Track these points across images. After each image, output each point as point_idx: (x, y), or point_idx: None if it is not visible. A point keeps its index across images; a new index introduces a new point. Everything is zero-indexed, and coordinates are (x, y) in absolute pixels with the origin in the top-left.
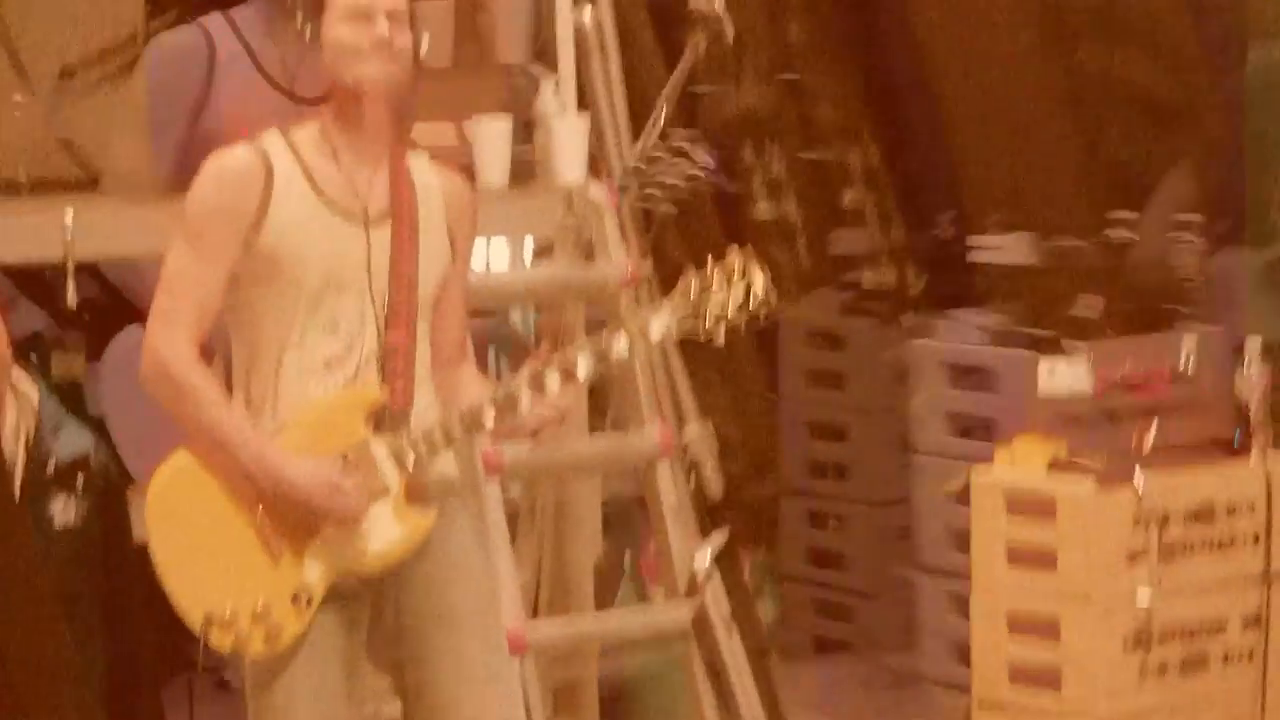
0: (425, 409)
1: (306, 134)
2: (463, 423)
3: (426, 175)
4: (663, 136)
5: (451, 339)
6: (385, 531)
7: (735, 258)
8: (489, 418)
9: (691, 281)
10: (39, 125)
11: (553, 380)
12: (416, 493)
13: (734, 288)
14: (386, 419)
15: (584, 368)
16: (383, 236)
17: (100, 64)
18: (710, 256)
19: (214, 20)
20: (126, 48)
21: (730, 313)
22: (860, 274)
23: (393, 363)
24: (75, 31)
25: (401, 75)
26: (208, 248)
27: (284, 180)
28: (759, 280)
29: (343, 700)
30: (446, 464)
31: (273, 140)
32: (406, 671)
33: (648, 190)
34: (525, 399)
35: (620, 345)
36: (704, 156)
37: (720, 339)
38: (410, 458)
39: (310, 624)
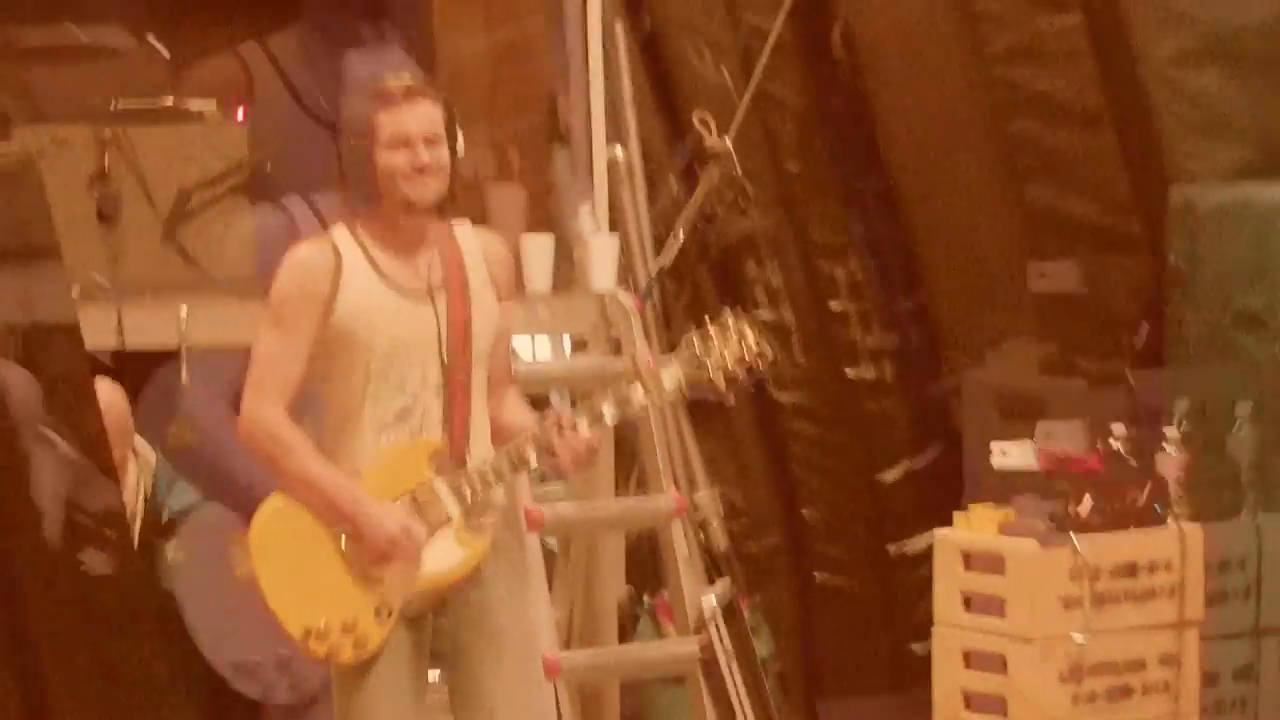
0: (479, 451)
1: (367, 226)
2: (510, 460)
3: (470, 241)
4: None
5: (501, 365)
6: (449, 554)
7: (729, 317)
8: (532, 456)
9: (694, 339)
10: (161, 237)
11: (582, 424)
12: (476, 521)
13: (730, 343)
14: (446, 462)
15: (608, 413)
16: (439, 304)
17: (210, 187)
18: (707, 318)
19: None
20: (232, 174)
21: (729, 364)
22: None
23: (455, 412)
24: (190, 161)
25: (440, 186)
26: (289, 327)
27: (350, 267)
28: (751, 336)
29: (415, 702)
30: (496, 496)
31: (340, 233)
32: (457, 681)
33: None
34: (558, 440)
35: (638, 394)
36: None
37: (723, 387)
38: (468, 492)
39: (389, 635)
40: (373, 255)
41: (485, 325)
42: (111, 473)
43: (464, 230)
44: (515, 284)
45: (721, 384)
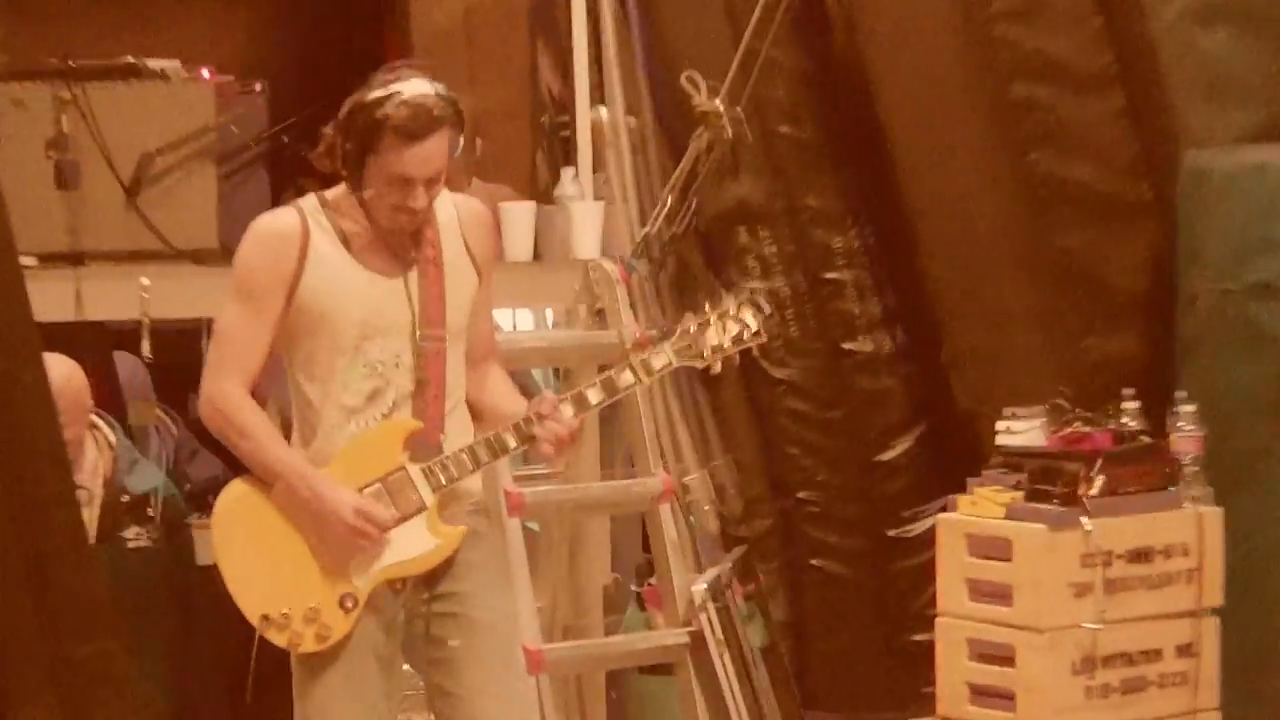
0: (456, 435)
1: (340, 199)
2: (489, 447)
3: (445, 209)
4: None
5: (482, 339)
6: (421, 542)
7: (730, 302)
8: (512, 443)
9: (690, 323)
10: (122, 204)
11: (567, 409)
12: (448, 509)
13: (728, 327)
14: (421, 445)
15: (595, 397)
16: (412, 281)
17: (174, 151)
18: (708, 303)
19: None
20: (198, 137)
21: (726, 344)
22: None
23: (425, 396)
24: (153, 124)
25: (424, 215)
26: (253, 302)
27: (318, 241)
28: (751, 319)
29: (381, 695)
30: (474, 483)
31: (310, 204)
32: (433, 675)
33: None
34: (541, 427)
35: (626, 378)
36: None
37: (717, 368)
38: (443, 478)
39: (356, 625)
40: (343, 228)
41: (461, 299)
42: (54, 454)
43: (440, 200)
44: (496, 250)
45: (716, 368)
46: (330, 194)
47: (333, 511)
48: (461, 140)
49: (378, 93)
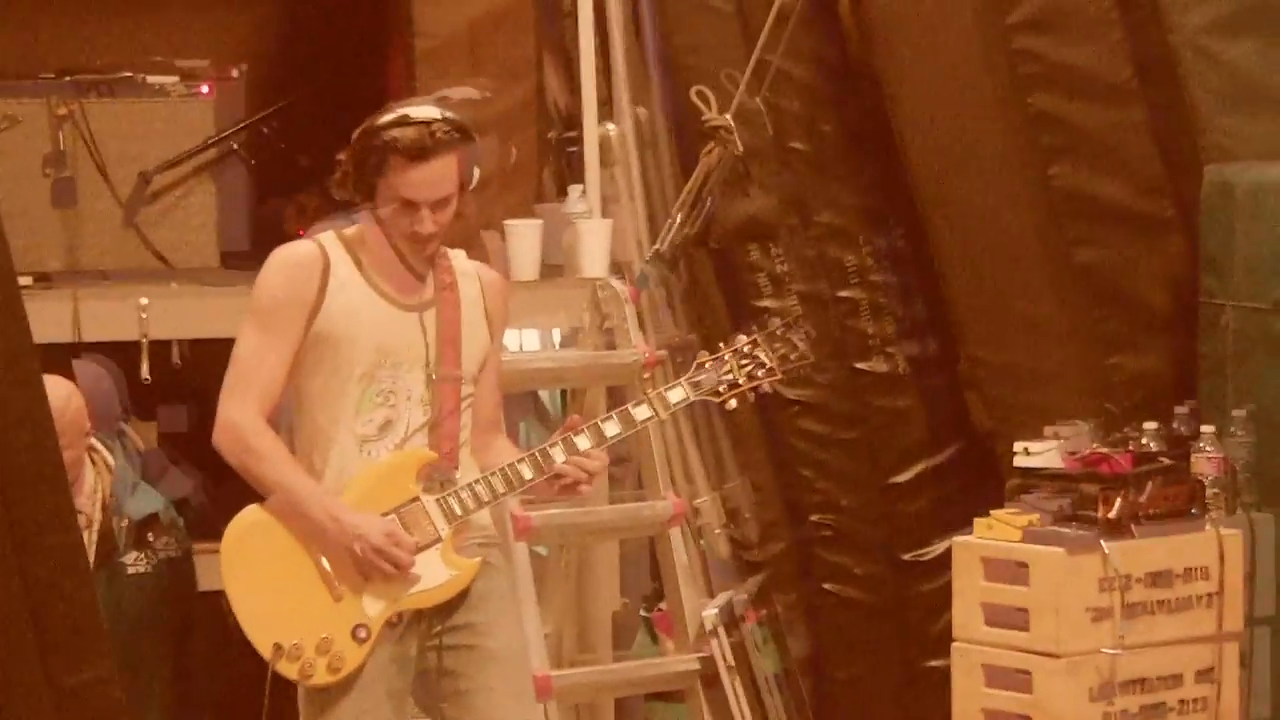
0: (467, 468)
1: (359, 234)
2: (504, 480)
3: (465, 265)
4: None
5: (488, 411)
6: (435, 574)
7: (744, 342)
8: (527, 475)
9: (706, 360)
10: (120, 223)
11: (583, 442)
12: (463, 541)
13: (743, 367)
14: (435, 478)
15: (612, 430)
16: (429, 318)
17: (173, 169)
18: (723, 342)
19: None
20: (197, 154)
21: (741, 381)
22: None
23: (441, 428)
24: (151, 140)
25: (437, 241)
26: (274, 329)
27: (338, 270)
28: (765, 359)
29: None
30: (484, 515)
31: (329, 237)
32: (447, 710)
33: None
34: (559, 458)
35: (643, 412)
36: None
37: (732, 405)
38: (457, 510)
39: (368, 657)
40: (361, 261)
41: (475, 348)
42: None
43: (460, 257)
44: (505, 324)
45: (731, 404)
46: (349, 230)
47: (360, 536)
48: (476, 172)
49: (386, 117)
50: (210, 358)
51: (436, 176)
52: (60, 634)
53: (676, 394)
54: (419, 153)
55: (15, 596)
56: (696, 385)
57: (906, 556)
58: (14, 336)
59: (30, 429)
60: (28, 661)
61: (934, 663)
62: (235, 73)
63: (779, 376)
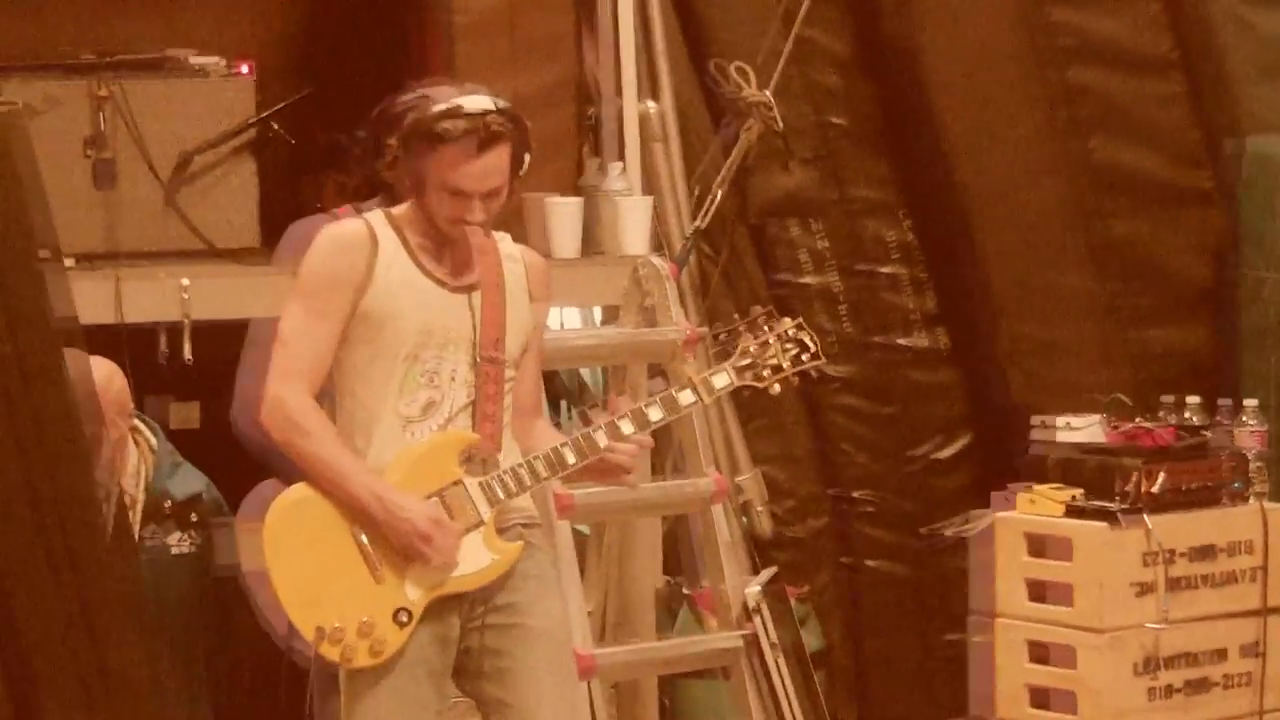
0: (509, 451)
1: (405, 214)
2: (546, 463)
3: (510, 248)
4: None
5: (529, 395)
6: (477, 557)
7: (788, 325)
8: (570, 459)
9: (750, 344)
10: (161, 203)
11: (626, 426)
12: (504, 523)
13: (786, 350)
14: (477, 459)
15: (655, 415)
16: (474, 299)
17: (214, 149)
18: (766, 327)
19: None
20: (238, 134)
21: (786, 365)
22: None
23: (484, 410)
24: (192, 120)
25: (485, 226)
26: (321, 307)
27: (386, 249)
28: (810, 346)
29: (431, 712)
30: (528, 500)
31: (377, 217)
32: (488, 689)
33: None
34: (602, 443)
35: (687, 397)
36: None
37: (776, 389)
38: (500, 493)
39: (409, 640)
40: (409, 241)
41: (519, 330)
42: (87, 456)
43: (504, 238)
44: (549, 306)
45: (774, 388)
46: (395, 210)
47: (405, 520)
48: (527, 157)
49: (439, 106)
50: (220, 350)
51: (490, 168)
52: (96, 613)
53: (721, 379)
54: (474, 146)
55: (45, 576)
56: (741, 371)
57: (924, 531)
58: (34, 311)
59: (52, 404)
60: (64, 641)
61: (951, 637)
62: (245, 69)
63: (822, 360)
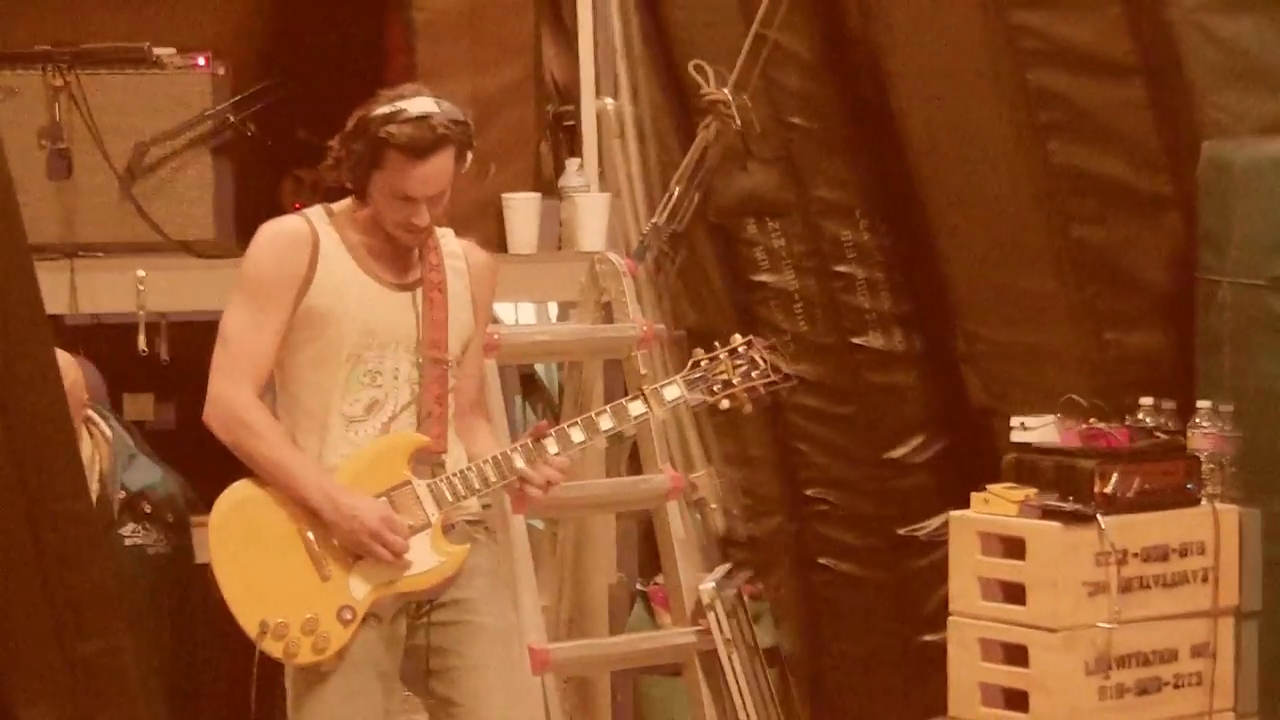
0: (454, 451)
1: (347, 211)
2: (496, 468)
3: (453, 245)
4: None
5: (470, 393)
6: (425, 558)
7: (738, 342)
8: (519, 464)
9: (701, 360)
10: (117, 195)
11: (577, 435)
12: (452, 526)
13: (737, 366)
14: (425, 461)
15: (605, 424)
16: (417, 298)
17: (170, 140)
18: (717, 343)
19: None
20: (195, 125)
21: (735, 381)
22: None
23: (430, 410)
24: (148, 112)
25: (430, 231)
26: (263, 304)
27: (327, 247)
28: (764, 364)
29: (379, 712)
30: (474, 503)
31: (317, 213)
32: (437, 687)
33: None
34: (553, 450)
35: (637, 408)
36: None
37: (725, 405)
38: (448, 495)
39: (353, 638)
40: (349, 238)
41: (460, 330)
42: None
43: (448, 236)
44: (492, 307)
45: (723, 403)
46: (336, 206)
47: (354, 517)
48: (470, 156)
49: (383, 109)
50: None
51: (434, 173)
52: (72, 602)
53: (672, 391)
54: (418, 151)
55: (28, 564)
56: (691, 384)
57: (902, 532)
58: (22, 304)
59: (44, 395)
60: (43, 632)
61: (929, 637)
62: (220, 70)
63: (773, 379)
